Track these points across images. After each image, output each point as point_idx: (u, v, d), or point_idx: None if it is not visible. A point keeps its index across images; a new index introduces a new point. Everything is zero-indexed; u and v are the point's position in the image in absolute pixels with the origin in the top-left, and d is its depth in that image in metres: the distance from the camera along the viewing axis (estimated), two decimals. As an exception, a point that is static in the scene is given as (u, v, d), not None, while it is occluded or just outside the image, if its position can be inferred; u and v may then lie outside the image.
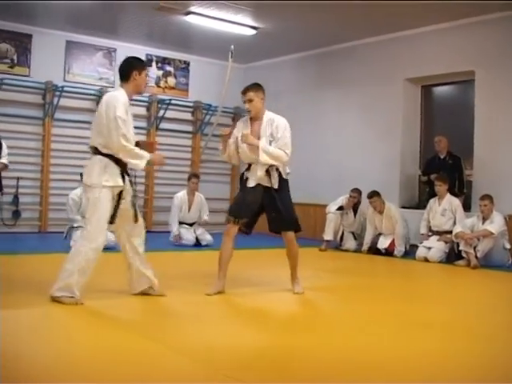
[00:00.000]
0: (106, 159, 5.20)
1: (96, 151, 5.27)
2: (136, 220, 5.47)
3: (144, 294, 5.53)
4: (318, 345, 4.14)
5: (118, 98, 5.20)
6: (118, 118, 5.06)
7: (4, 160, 9.40)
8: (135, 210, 5.47)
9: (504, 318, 5.42)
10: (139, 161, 5.22)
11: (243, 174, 6.04)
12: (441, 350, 4.07)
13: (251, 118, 5.98)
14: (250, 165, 5.95)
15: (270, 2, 9.49)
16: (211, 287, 5.82)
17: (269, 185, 5.85)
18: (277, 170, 5.88)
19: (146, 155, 5.26)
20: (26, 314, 4.72)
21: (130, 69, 5.35)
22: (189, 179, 10.58)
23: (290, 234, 5.98)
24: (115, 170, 5.22)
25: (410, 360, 3.84)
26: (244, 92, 5.90)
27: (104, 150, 5.20)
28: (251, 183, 5.89)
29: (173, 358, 3.72)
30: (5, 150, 9.45)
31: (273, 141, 5.83)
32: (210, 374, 3.46)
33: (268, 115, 5.95)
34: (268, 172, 5.84)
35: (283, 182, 5.95)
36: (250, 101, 5.85)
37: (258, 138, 5.83)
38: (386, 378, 3.45)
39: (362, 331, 4.58)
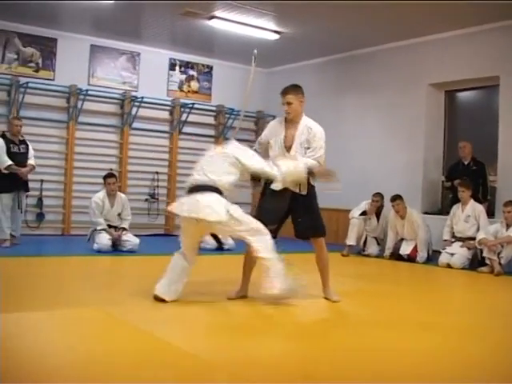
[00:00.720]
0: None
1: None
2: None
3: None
4: (336, 349, 4.14)
5: None
6: None
7: (32, 161, 9.50)
8: None
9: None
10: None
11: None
12: (456, 356, 4.06)
13: (286, 120, 5.86)
14: None
15: (292, 3, 9.49)
16: (233, 291, 5.80)
17: (297, 190, 5.74)
18: None
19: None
20: (46, 316, 4.75)
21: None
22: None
23: (320, 240, 5.87)
24: None
25: (428, 366, 3.82)
26: (283, 93, 5.78)
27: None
28: (277, 186, 5.73)
29: (189, 361, 3.72)
30: (31, 152, 9.55)
31: (308, 148, 5.71)
32: (231, 376, 3.46)
33: (305, 121, 5.83)
34: None
35: (311, 188, 5.85)
36: (289, 103, 5.73)
37: (293, 143, 5.74)
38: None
39: (381, 337, 4.55)
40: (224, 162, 5.47)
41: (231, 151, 5.52)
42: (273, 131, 5.92)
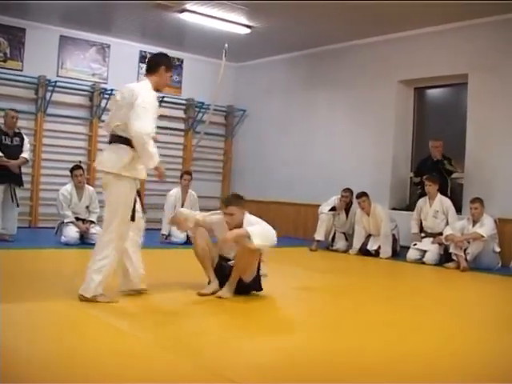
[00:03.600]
0: (130, 149, 5.09)
1: (118, 139, 5.16)
2: (144, 210, 5.44)
3: (132, 292, 5.47)
4: (304, 344, 4.16)
5: (143, 87, 5.19)
6: (139, 106, 5.01)
7: (25, 155, 9.32)
8: (142, 200, 5.46)
9: (481, 319, 5.45)
10: (151, 161, 5.04)
11: None
12: (413, 350, 4.09)
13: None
14: None
15: (263, 1, 9.51)
16: (206, 287, 5.68)
17: None
18: None
19: (157, 158, 5.07)
20: (12, 308, 4.69)
21: (160, 62, 5.37)
22: (181, 177, 10.56)
23: None
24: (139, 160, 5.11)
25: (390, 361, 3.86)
26: (226, 205, 5.66)
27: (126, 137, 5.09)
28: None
29: (165, 357, 3.71)
30: (26, 145, 9.37)
31: None
32: (202, 373, 3.47)
33: (246, 220, 5.65)
34: None
35: None
36: (231, 214, 5.60)
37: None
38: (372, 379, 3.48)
39: (347, 331, 4.59)
40: None
41: None
42: (217, 230, 5.79)
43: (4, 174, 9.06)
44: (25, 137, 9.48)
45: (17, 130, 9.39)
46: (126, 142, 5.10)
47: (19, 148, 9.28)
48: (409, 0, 8.94)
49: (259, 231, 5.38)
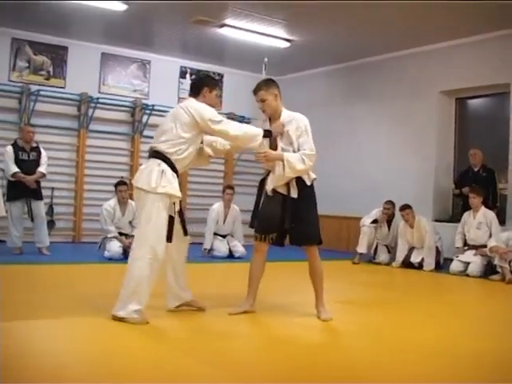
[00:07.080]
0: (164, 164, 5.08)
1: (156, 154, 5.18)
2: (186, 233, 5.25)
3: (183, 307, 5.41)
4: (348, 357, 4.13)
5: (198, 103, 5.18)
6: (214, 116, 5.09)
7: (42, 169, 9.45)
8: (184, 222, 5.25)
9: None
10: (258, 138, 5.18)
11: (263, 179, 5.51)
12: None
13: (269, 119, 5.49)
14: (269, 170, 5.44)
15: (303, 11, 9.52)
16: (237, 306, 5.51)
17: (287, 193, 5.28)
18: (297, 177, 5.29)
19: (260, 130, 5.22)
20: (56, 324, 4.75)
21: (202, 85, 5.33)
22: (223, 191, 10.59)
23: (312, 249, 5.38)
24: (173, 176, 5.06)
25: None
26: (255, 92, 5.39)
27: (167, 153, 5.11)
28: (269, 190, 5.37)
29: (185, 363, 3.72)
30: (43, 159, 9.50)
31: (291, 142, 5.29)
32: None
33: (285, 114, 5.39)
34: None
35: (306, 189, 5.32)
36: (263, 100, 5.34)
37: (277, 142, 5.35)
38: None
39: (392, 346, 4.55)
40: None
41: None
42: None
43: (21, 189, 9.20)
44: (42, 151, 9.57)
45: (34, 145, 9.51)
46: (159, 155, 5.17)
47: (36, 163, 9.41)
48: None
49: (294, 161, 5.18)
